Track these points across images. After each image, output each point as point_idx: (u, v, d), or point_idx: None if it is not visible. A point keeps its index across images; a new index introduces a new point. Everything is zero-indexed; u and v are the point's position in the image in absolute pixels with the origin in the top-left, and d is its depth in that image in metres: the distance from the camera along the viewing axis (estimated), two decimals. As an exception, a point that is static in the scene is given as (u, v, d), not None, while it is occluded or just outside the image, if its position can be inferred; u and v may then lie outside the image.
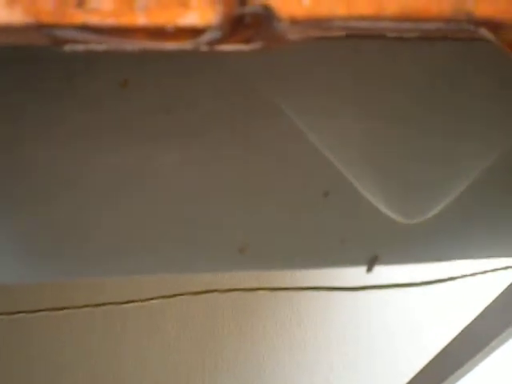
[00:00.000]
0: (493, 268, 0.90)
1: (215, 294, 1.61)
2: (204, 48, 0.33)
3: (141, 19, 0.29)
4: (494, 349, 1.11)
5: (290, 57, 0.51)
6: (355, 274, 1.70)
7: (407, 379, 1.34)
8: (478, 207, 0.57)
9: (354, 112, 0.52)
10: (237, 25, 0.33)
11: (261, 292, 1.71)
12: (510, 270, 0.85)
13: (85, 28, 0.29)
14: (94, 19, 0.29)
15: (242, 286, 1.57)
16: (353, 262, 0.55)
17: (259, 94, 0.52)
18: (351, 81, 0.53)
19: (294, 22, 0.31)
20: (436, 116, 0.55)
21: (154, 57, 0.50)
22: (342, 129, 0.52)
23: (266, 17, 0.31)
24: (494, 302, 1.05)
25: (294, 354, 1.81)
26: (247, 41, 0.34)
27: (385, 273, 1.39)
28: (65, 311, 1.48)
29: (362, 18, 0.31)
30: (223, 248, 0.53)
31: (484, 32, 0.33)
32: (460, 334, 1.18)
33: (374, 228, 0.55)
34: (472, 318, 1.10)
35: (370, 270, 0.54)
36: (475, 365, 1.18)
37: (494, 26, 0.32)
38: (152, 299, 1.12)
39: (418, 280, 1.15)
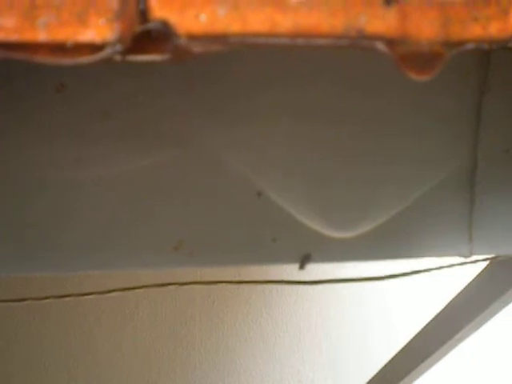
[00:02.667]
0: (461, 262, 0.92)
1: (188, 286, 1.62)
2: (115, 58, 0.35)
3: (42, 35, 0.31)
4: (460, 340, 1.13)
5: (221, 61, 0.53)
6: (326, 268, 1.72)
7: (375, 369, 1.36)
8: (410, 207, 0.59)
9: (286, 116, 0.54)
10: (142, 38, 0.35)
11: (232, 285, 1.73)
12: (478, 263, 0.87)
13: (-10, 43, 0.31)
14: (-2, 35, 0.31)
15: (214, 279, 1.58)
16: (285, 259, 0.57)
17: (196, 96, 0.54)
18: (282, 84, 0.54)
19: (192, 37, 0.32)
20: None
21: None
22: (274, 133, 0.53)
23: (166, 33, 0.33)
24: (460, 294, 1.08)
25: (266, 346, 1.83)
26: (156, 52, 0.36)
27: (356, 266, 1.41)
28: (41, 302, 1.49)
29: (257, 34, 0.32)
30: (158, 246, 0.55)
31: (380, 46, 0.35)
32: (427, 325, 1.20)
33: (307, 227, 0.57)
34: (439, 308, 1.12)
35: (302, 267, 0.56)
36: (442, 356, 1.20)
37: (385, 41, 0.34)
38: (124, 290, 1.13)
39: (388, 273, 1.17)
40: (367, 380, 1.42)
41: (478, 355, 1.86)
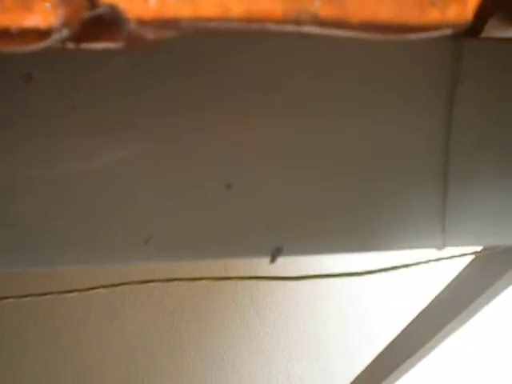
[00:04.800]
0: (449, 255, 0.92)
1: (174, 283, 1.62)
2: (68, 46, 0.35)
3: (-14, 21, 0.30)
4: (446, 336, 1.13)
5: (201, 53, 0.52)
6: (311, 263, 1.71)
7: (362, 365, 1.36)
8: (382, 199, 0.58)
9: (257, 110, 0.53)
10: (93, 25, 0.34)
11: (219, 282, 1.73)
12: (465, 257, 0.87)
13: None
14: None
15: (200, 275, 1.57)
16: (256, 253, 0.56)
17: (164, 90, 0.53)
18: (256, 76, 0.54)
19: (142, 22, 0.32)
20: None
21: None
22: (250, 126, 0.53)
23: (115, 18, 0.32)
24: (445, 288, 1.07)
25: (253, 342, 1.83)
26: (110, 39, 0.35)
27: (340, 261, 1.41)
28: (28, 298, 1.49)
29: (208, 19, 0.32)
30: (128, 240, 0.54)
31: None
32: (413, 320, 1.20)
33: (277, 220, 0.56)
34: (423, 305, 1.12)
35: (273, 260, 0.55)
36: (429, 351, 1.20)
37: (338, 26, 0.33)
38: (109, 287, 1.13)
39: (374, 268, 1.16)
40: (355, 376, 1.42)
41: (464, 350, 1.87)
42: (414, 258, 0.78)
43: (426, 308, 1.18)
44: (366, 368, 1.46)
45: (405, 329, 1.25)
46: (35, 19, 0.30)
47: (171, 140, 0.54)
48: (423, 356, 1.23)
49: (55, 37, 0.31)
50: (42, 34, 0.31)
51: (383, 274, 0.86)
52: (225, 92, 0.54)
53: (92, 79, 0.53)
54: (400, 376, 1.32)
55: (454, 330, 1.11)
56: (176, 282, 1.52)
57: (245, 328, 1.81)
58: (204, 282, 1.57)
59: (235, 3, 0.32)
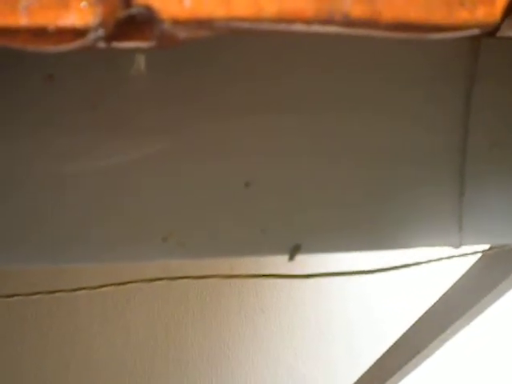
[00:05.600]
0: (449, 255, 0.92)
1: (180, 281, 1.62)
2: (99, 46, 0.35)
3: (23, 20, 0.30)
4: (452, 334, 1.13)
5: (212, 52, 0.53)
6: (316, 261, 1.71)
7: (366, 364, 1.36)
8: (401, 198, 0.59)
9: (275, 107, 0.54)
10: (126, 24, 0.34)
11: (225, 280, 1.73)
12: (466, 256, 0.87)
13: (-29, 28, 0.31)
14: (-21, 20, 0.30)
15: (206, 273, 1.58)
16: (274, 250, 0.56)
17: (185, 87, 0.53)
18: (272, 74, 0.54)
19: (176, 22, 0.32)
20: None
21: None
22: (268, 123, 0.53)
23: (150, 17, 0.32)
24: (452, 287, 1.07)
25: (258, 341, 1.83)
26: (141, 39, 0.35)
27: (346, 260, 1.41)
28: (32, 297, 1.49)
29: (242, 19, 0.32)
30: (147, 237, 0.54)
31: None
32: (419, 319, 1.20)
33: (296, 217, 0.56)
34: (429, 304, 1.12)
35: (291, 258, 0.55)
36: (434, 350, 1.20)
37: (368, 25, 0.33)
38: (116, 285, 1.13)
39: (378, 267, 1.16)
40: (359, 375, 1.42)
41: (469, 350, 1.87)
42: (421, 257, 0.79)
43: (431, 307, 1.18)
44: (371, 367, 1.46)
45: (410, 328, 1.25)
46: (72, 18, 0.30)
47: (190, 138, 0.54)
48: (428, 355, 1.23)
49: (91, 36, 0.31)
50: (78, 33, 0.31)
51: (390, 272, 0.87)
52: (243, 90, 0.55)
53: (112, 78, 0.53)
54: (405, 375, 1.32)
55: (460, 329, 1.11)
56: (181, 280, 1.52)
57: (250, 326, 1.81)
58: (210, 280, 1.57)
59: (268, 3, 0.32)
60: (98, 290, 1.05)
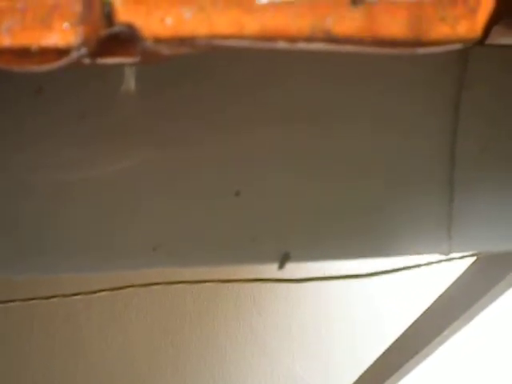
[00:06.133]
0: (447, 258, 0.92)
1: (177, 285, 1.62)
2: (84, 62, 0.35)
3: (6, 40, 0.31)
4: (448, 336, 1.13)
5: (202, 62, 0.53)
6: (314, 265, 1.72)
7: (364, 366, 1.36)
8: (389, 205, 0.59)
9: (265, 117, 0.54)
10: (109, 41, 0.34)
11: (222, 283, 1.73)
12: (465, 259, 0.88)
13: (-46, 49, 0.31)
14: (-38, 41, 0.31)
15: (203, 278, 1.58)
16: (264, 259, 0.57)
17: (172, 97, 0.54)
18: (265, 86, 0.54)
19: (158, 40, 0.32)
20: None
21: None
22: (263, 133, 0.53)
23: (132, 36, 0.32)
24: (447, 290, 1.08)
25: (256, 343, 1.83)
26: (126, 55, 0.36)
27: (343, 264, 1.41)
28: (32, 301, 1.49)
29: (224, 36, 0.32)
30: (137, 246, 0.55)
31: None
32: (415, 321, 1.20)
33: (285, 226, 0.57)
34: (427, 305, 1.12)
35: (281, 266, 0.56)
36: (430, 352, 1.20)
37: (353, 43, 0.34)
38: (113, 290, 1.13)
39: (378, 269, 1.17)
40: (357, 377, 1.42)
41: (466, 351, 1.87)
42: (417, 260, 0.79)
43: (428, 309, 1.19)
44: (368, 368, 1.46)
45: (407, 330, 1.25)
46: (54, 38, 0.30)
47: (180, 148, 0.55)
48: (425, 356, 1.23)
49: (73, 55, 0.31)
50: (60, 52, 0.31)
51: (387, 275, 0.87)
52: (233, 99, 0.55)
53: (101, 89, 0.54)
54: (402, 376, 1.32)
55: (456, 330, 1.12)
56: (178, 284, 1.52)
57: (247, 329, 1.82)
58: (208, 284, 1.57)
59: (250, 20, 0.32)
60: (97, 294, 1.05)
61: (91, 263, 0.54)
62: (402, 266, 0.88)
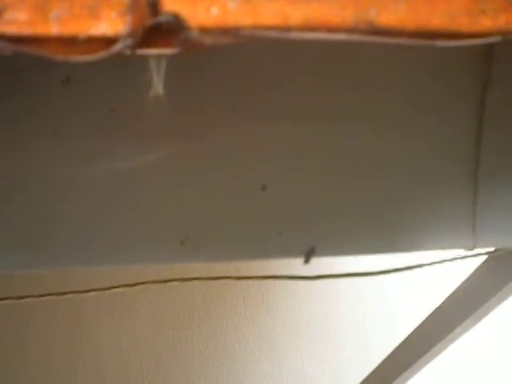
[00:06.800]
0: (463, 255, 0.92)
1: (186, 282, 1.62)
2: (125, 53, 0.35)
3: (54, 29, 0.31)
4: (459, 334, 1.13)
5: (228, 55, 0.53)
6: (323, 263, 1.72)
7: (373, 366, 1.36)
8: (415, 200, 0.59)
9: (291, 113, 0.54)
10: (153, 32, 0.35)
11: (230, 281, 1.73)
12: (479, 257, 0.88)
13: (2, 37, 0.31)
14: (11, 29, 0.31)
15: (211, 275, 1.58)
16: (290, 253, 0.57)
17: (201, 91, 0.54)
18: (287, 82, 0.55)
19: (203, 30, 0.32)
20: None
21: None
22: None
23: (177, 25, 0.33)
24: (459, 287, 1.08)
25: (264, 341, 1.83)
26: (166, 45, 0.36)
27: (353, 261, 1.41)
28: (42, 298, 1.49)
29: (268, 27, 0.32)
30: (165, 240, 0.55)
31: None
32: (426, 319, 1.20)
33: (311, 220, 0.57)
34: (438, 303, 1.12)
35: (307, 261, 0.56)
36: (441, 350, 1.20)
37: (394, 34, 0.34)
38: (121, 286, 1.13)
39: (387, 267, 1.16)
40: (366, 375, 1.42)
41: (477, 349, 1.87)
42: (428, 258, 0.79)
43: (439, 307, 1.19)
44: (378, 366, 1.46)
45: (417, 328, 1.25)
46: (103, 27, 0.30)
47: (207, 141, 0.55)
48: (436, 354, 1.23)
49: (120, 45, 0.31)
50: (108, 42, 0.31)
51: (398, 273, 0.87)
52: (261, 94, 0.55)
53: (128, 81, 0.54)
54: (413, 374, 1.32)
55: (467, 329, 1.11)
56: (184, 282, 1.52)
57: (256, 327, 1.82)
58: (216, 281, 1.58)
59: (294, 11, 0.33)
60: (107, 291, 1.05)
61: (118, 255, 0.54)
62: (415, 263, 0.88)
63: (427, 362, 1.26)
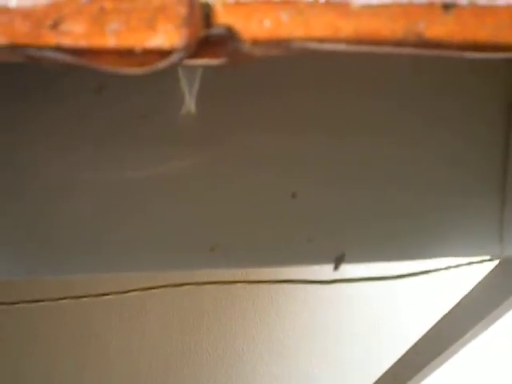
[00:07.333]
0: (468, 262, 0.92)
1: (195, 286, 1.62)
2: (178, 64, 0.36)
3: (111, 41, 0.31)
4: (469, 340, 1.13)
5: (266, 69, 0.53)
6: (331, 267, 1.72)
7: (382, 370, 1.36)
8: (447, 208, 0.59)
9: (322, 121, 0.54)
10: (202, 44, 0.35)
11: (239, 284, 1.73)
12: (483, 264, 0.88)
13: (58, 49, 0.31)
14: (66, 41, 0.31)
15: (221, 279, 1.58)
16: (320, 260, 0.57)
17: (230, 98, 0.54)
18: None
19: (256, 43, 0.33)
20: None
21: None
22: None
23: (230, 38, 0.33)
24: (469, 293, 1.08)
25: (273, 344, 1.84)
26: (213, 57, 0.36)
27: (362, 266, 1.41)
28: (48, 303, 1.49)
29: (319, 40, 0.33)
30: (195, 247, 0.55)
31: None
32: (436, 324, 1.20)
33: (341, 227, 0.57)
34: (449, 308, 1.12)
35: (336, 268, 0.56)
36: (450, 356, 1.20)
37: (443, 47, 0.34)
38: (133, 291, 1.13)
39: (396, 273, 1.16)
40: (375, 379, 1.42)
41: (486, 355, 1.87)
42: (444, 263, 0.79)
43: (449, 312, 1.19)
44: (388, 370, 1.46)
45: (428, 332, 1.25)
46: (159, 39, 0.31)
47: (239, 149, 0.55)
48: (446, 359, 1.23)
49: (175, 57, 0.32)
50: (162, 54, 0.31)
51: (408, 278, 0.87)
52: (291, 103, 0.55)
53: (161, 89, 0.54)
54: (422, 379, 1.32)
55: (478, 334, 1.12)
56: (193, 285, 1.52)
57: (265, 330, 1.82)
58: (230, 284, 1.58)
59: (345, 24, 0.33)
60: (125, 294, 1.05)
61: (150, 262, 0.55)
62: (426, 268, 0.88)
63: (438, 366, 1.26)
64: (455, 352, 1.19)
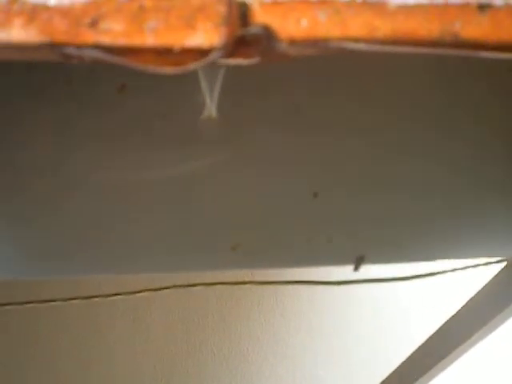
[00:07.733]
0: (474, 264, 0.92)
1: (200, 286, 1.62)
2: (215, 63, 0.35)
3: (150, 40, 0.31)
4: (475, 342, 1.13)
5: (286, 72, 0.53)
6: (339, 268, 1.71)
7: (388, 371, 1.35)
8: (464, 209, 0.59)
9: (341, 122, 0.54)
10: (238, 43, 0.35)
11: (245, 285, 1.73)
12: (490, 265, 0.88)
13: (96, 47, 0.31)
14: (105, 39, 0.31)
15: (226, 280, 1.58)
16: (340, 260, 0.57)
17: (253, 103, 0.54)
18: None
19: (293, 42, 0.33)
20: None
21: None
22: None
23: (267, 37, 0.33)
24: (476, 295, 1.08)
25: (278, 345, 1.83)
26: (247, 56, 0.36)
27: (369, 267, 1.41)
28: (53, 303, 1.49)
29: (356, 39, 0.33)
30: (216, 247, 0.55)
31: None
32: (442, 326, 1.20)
33: (361, 228, 0.57)
34: (455, 310, 1.12)
35: (356, 269, 0.56)
36: (456, 358, 1.20)
37: (478, 47, 0.34)
38: (138, 292, 1.13)
39: (402, 274, 1.16)
40: (380, 381, 1.42)
41: (493, 357, 1.87)
42: (450, 265, 0.79)
43: (455, 314, 1.19)
44: (393, 372, 1.46)
45: (433, 334, 1.25)
46: (199, 38, 0.30)
47: (259, 149, 0.55)
48: (451, 362, 1.23)
49: (213, 56, 0.32)
50: (201, 53, 0.31)
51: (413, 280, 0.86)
52: (312, 103, 0.55)
53: (185, 89, 0.54)
54: (428, 381, 1.32)
55: (483, 336, 1.11)
56: (198, 286, 1.52)
57: (270, 331, 1.82)
58: (247, 285, 1.58)
59: (381, 24, 0.33)
60: (136, 294, 1.05)
61: (172, 262, 0.54)
62: (432, 271, 0.88)
63: (443, 369, 1.26)
64: (462, 354, 1.19)
